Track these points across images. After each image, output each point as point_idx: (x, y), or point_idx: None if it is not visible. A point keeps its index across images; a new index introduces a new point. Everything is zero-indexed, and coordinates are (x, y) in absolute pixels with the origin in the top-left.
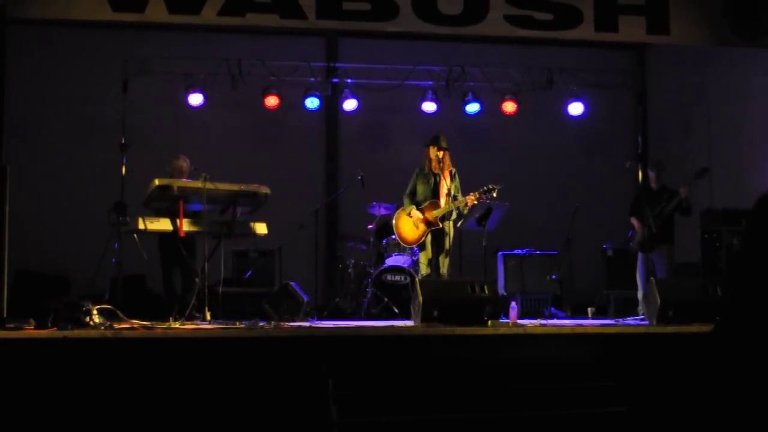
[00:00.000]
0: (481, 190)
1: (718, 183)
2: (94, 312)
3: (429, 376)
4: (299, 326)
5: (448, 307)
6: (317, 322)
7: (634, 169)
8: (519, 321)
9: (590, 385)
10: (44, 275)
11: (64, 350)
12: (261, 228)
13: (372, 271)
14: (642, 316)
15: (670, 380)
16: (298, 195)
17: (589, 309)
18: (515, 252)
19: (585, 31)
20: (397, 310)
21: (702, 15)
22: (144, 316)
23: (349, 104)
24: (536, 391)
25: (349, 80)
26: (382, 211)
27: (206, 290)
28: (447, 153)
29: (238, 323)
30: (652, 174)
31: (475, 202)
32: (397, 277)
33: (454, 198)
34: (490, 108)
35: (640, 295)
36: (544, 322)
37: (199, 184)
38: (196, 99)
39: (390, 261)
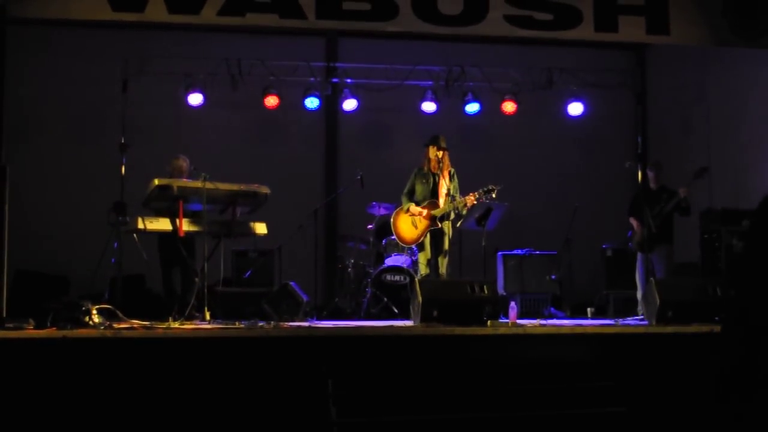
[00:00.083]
0: (481, 191)
1: (718, 183)
2: (94, 312)
3: (428, 376)
4: (299, 326)
5: (447, 307)
6: (317, 322)
7: (634, 169)
8: (518, 321)
9: (590, 385)
10: (44, 275)
11: (63, 350)
12: (260, 228)
13: (371, 271)
14: (641, 316)
15: (670, 380)
16: (298, 195)
17: (589, 309)
18: (515, 252)
19: (585, 31)
20: (396, 310)
21: (702, 15)
22: (143, 316)
23: (349, 104)
24: (536, 391)
25: (348, 80)
26: (382, 211)
27: (206, 290)
28: (446, 153)
29: (237, 323)
30: (651, 174)
31: (475, 203)
32: (397, 277)
33: (453, 198)
34: (490, 108)
35: (639, 295)
36: (543, 322)
37: (198, 183)
38: (195, 99)
39: (389, 261)
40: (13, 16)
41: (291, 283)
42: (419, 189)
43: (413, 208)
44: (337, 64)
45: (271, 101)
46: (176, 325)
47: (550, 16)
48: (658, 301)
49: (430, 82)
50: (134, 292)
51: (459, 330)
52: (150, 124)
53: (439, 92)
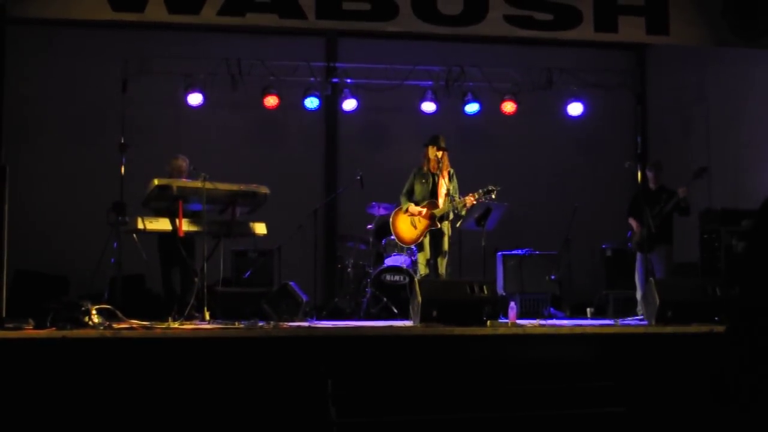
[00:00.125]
0: (481, 192)
1: (717, 183)
2: (93, 312)
3: (428, 377)
4: (298, 326)
5: (447, 307)
6: (316, 322)
7: (634, 169)
8: (518, 321)
9: (589, 385)
10: (43, 275)
11: (63, 350)
12: (260, 228)
13: (371, 271)
14: (641, 317)
15: (669, 380)
16: (298, 195)
17: (588, 309)
18: (514, 252)
19: (584, 31)
20: (396, 310)
21: (701, 15)
22: (143, 316)
23: (349, 104)
24: (535, 391)
25: (348, 80)
26: (381, 211)
27: (205, 290)
28: (446, 153)
29: (237, 323)
30: (650, 174)
31: (474, 203)
32: (396, 277)
33: (453, 199)
34: (490, 108)
35: (639, 295)
36: (543, 322)
37: (198, 183)
38: (195, 99)
39: (389, 261)
40: (13, 16)
41: (290, 283)
42: (418, 189)
43: (412, 208)
44: (337, 64)
45: (271, 101)
46: (176, 325)
47: (549, 16)
48: (657, 301)
49: (429, 82)
50: (134, 292)
51: (458, 330)
52: (150, 124)
53: (438, 92)
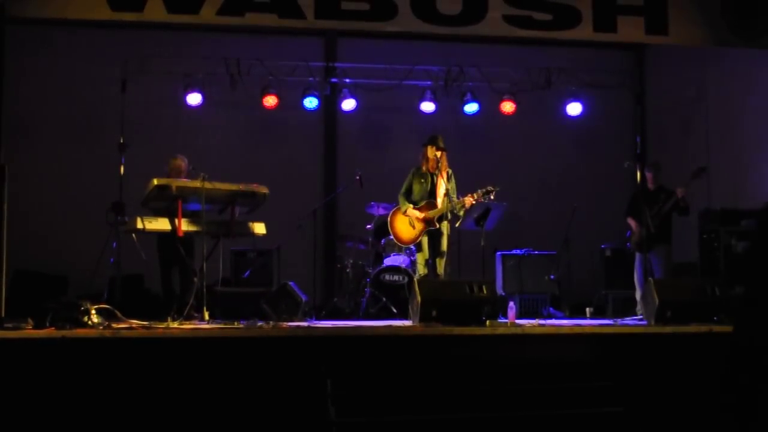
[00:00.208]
0: (480, 192)
1: (717, 183)
2: (93, 312)
3: (427, 376)
4: (297, 326)
5: (446, 307)
6: (315, 321)
7: (633, 169)
8: (517, 321)
9: (588, 385)
10: (43, 275)
11: (62, 350)
12: (259, 228)
13: (370, 270)
14: (640, 316)
15: (668, 380)
16: (297, 195)
17: (588, 309)
18: (513, 252)
19: (584, 31)
20: (395, 310)
21: (701, 15)
22: (142, 316)
23: (348, 104)
24: (534, 391)
25: (347, 80)
26: (381, 211)
27: (205, 290)
28: (445, 153)
29: (236, 323)
30: (649, 174)
31: (473, 203)
32: (396, 277)
33: (451, 199)
34: (489, 108)
35: (638, 295)
36: (542, 322)
37: (197, 183)
38: (194, 98)
39: (388, 261)
40: (12, 16)
41: (290, 283)
42: (417, 189)
43: (411, 211)
44: (336, 64)
45: (270, 101)
46: (175, 325)
47: (549, 17)
48: (656, 301)
49: (428, 82)
50: (133, 292)
51: (458, 330)
52: (149, 124)
53: (437, 92)
